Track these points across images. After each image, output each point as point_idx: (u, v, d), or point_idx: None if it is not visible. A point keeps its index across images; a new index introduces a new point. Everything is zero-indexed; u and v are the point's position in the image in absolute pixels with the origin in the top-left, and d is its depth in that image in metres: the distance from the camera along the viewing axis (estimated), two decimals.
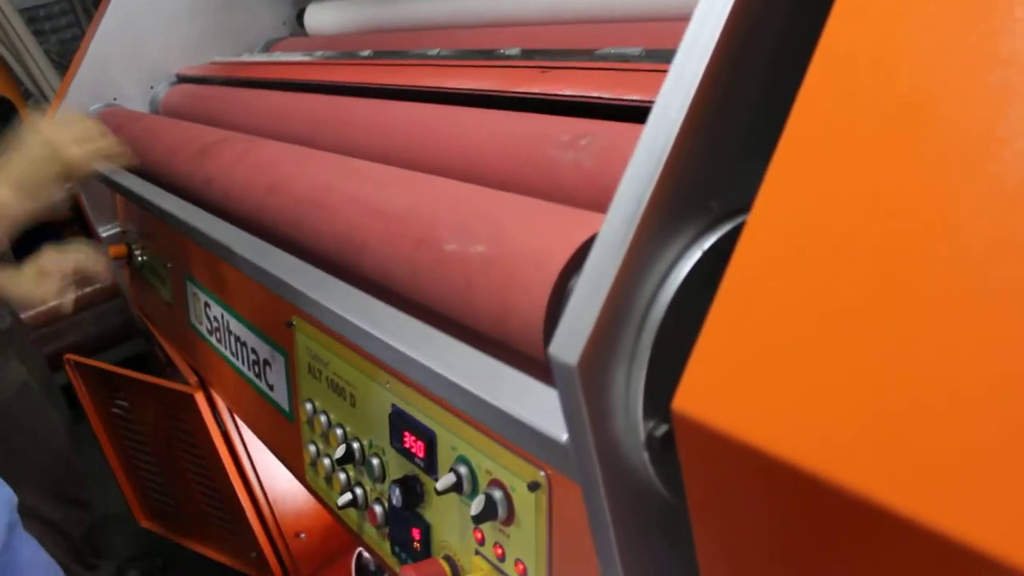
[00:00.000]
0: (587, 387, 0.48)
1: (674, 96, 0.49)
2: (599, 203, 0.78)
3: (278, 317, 1.16)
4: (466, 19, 1.54)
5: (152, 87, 2.07)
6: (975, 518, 0.34)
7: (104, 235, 2.08)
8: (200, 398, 1.62)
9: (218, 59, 2.07)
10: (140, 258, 1.89)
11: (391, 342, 0.71)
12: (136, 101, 2.07)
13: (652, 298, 0.50)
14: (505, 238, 0.66)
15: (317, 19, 2.02)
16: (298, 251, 0.96)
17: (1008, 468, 0.34)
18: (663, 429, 0.51)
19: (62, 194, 1.15)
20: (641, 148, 0.49)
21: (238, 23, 2.15)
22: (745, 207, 0.51)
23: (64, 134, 1.16)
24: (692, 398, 0.45)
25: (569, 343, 0.48)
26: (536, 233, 0.65)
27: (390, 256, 0.77)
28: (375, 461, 0.98)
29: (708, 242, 0.51)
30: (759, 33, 0.51)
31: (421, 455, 0.88)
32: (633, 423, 0.51)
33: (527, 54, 1.20)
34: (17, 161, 1.11)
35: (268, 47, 2.14)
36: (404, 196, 0.80)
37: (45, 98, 3.47)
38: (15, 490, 1.21)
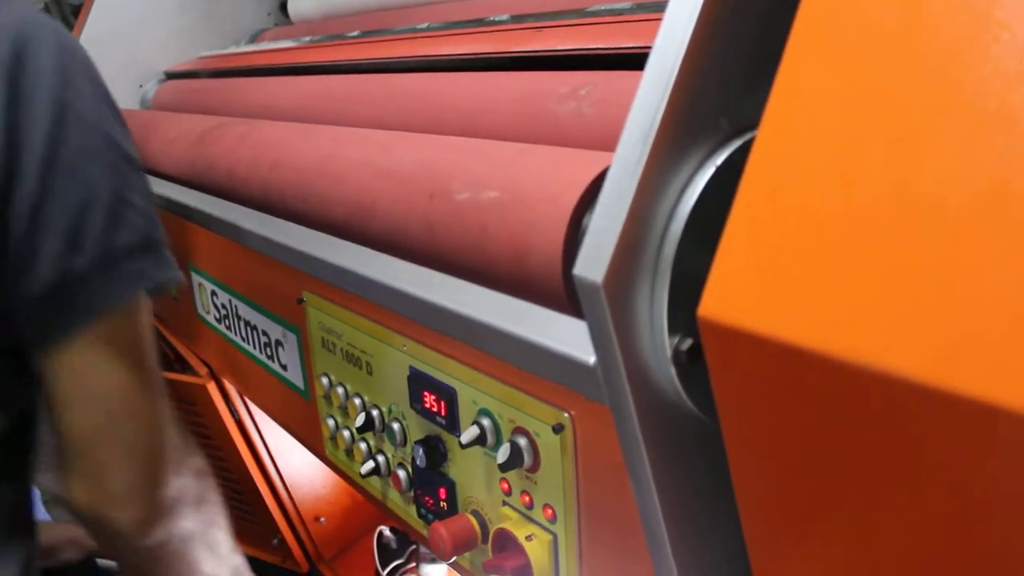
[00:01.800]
0: (613, 304, 0.49)
1: (680, 15, 0.50)
2: (603, 148, 0.79)
3: (288, 295, 1.17)
4: None
5: (141, 86, 2.08)
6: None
7: None
8: (212, 388, 1.63)
9: (205, 53, 2.07)
10: None
11: (412, 291, 0.72)
12: (125, 101, 2.07)
13: (671, 214, 0.51)
14: (517, 182, 0.67)
15: (301, 6, 2.02)
16: (308, 222, 0.97)
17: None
18: (688, 343, 0.52)
19: None
20: (650, 70, 0.50)
21: (223, 16, 2.15)
22: (754, 124, 0.52)
23: None
24: (717, 303, 0.46)
25: (593, 262, 0.49)
26: (547, 174, 0.66)
27: (403, 213, 0.78)
28: (396, 426, 0.99)
29: (721, 158, 0.52)
30: None
31: (443, 413, 0.89)
32: (659, 339, 0.52)
33: (517, 19, 1.21)
34: None
35: (254, 38, 2.14)
36: (411, 154, 0.81)
37: None
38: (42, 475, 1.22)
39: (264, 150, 1.07)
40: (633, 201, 0.49)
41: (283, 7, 2.20)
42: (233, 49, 2.05)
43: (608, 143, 0.78)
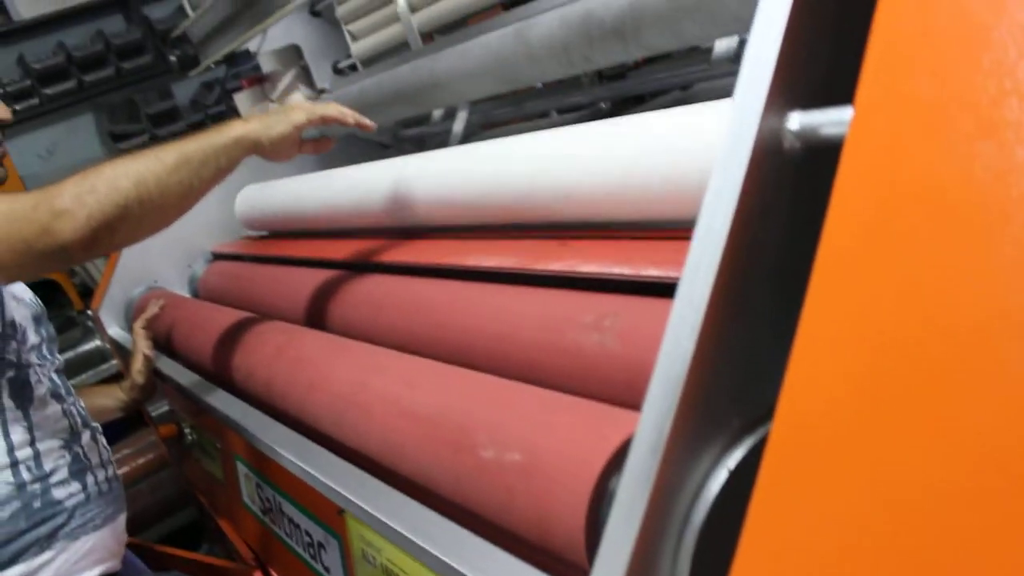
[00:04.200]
0: None
1: (683, 326, 0.51)
2: (626, 385, 0.80)
3: (329, 504, 1.17)
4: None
5: (190, 266, 2.15)
6: None
7: (154, 414, 2.13)
8: None
9: (250, 234, 2.15)
10: (190, 436, 1.92)
11: (439, 554, 0.72)
12: (175, 281, 2.14)
13: (683, 524, 0.51)
14: (539, 446, 0.68)
15: None
16: (341, 448, 0.98)
17: None
18: None
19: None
20: (657, 380, 0.51)
21: None
22: (768, 414, 0.53)
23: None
24: None
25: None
26: (568, 440, 0.67)
27: (429, 461, 0.79)
28: None
29: (732, 461, 0.52)
30: (758, 251, 0.53)
31: None
32: None
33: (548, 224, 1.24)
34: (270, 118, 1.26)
35: None
36: (435, 396, 0.83)
37: (89, 275, 3.60)
38: None
39: (299, 368, 1.10)
40: (643, 519, 0.49)
41: None
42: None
43: (631, 380, 0.78)
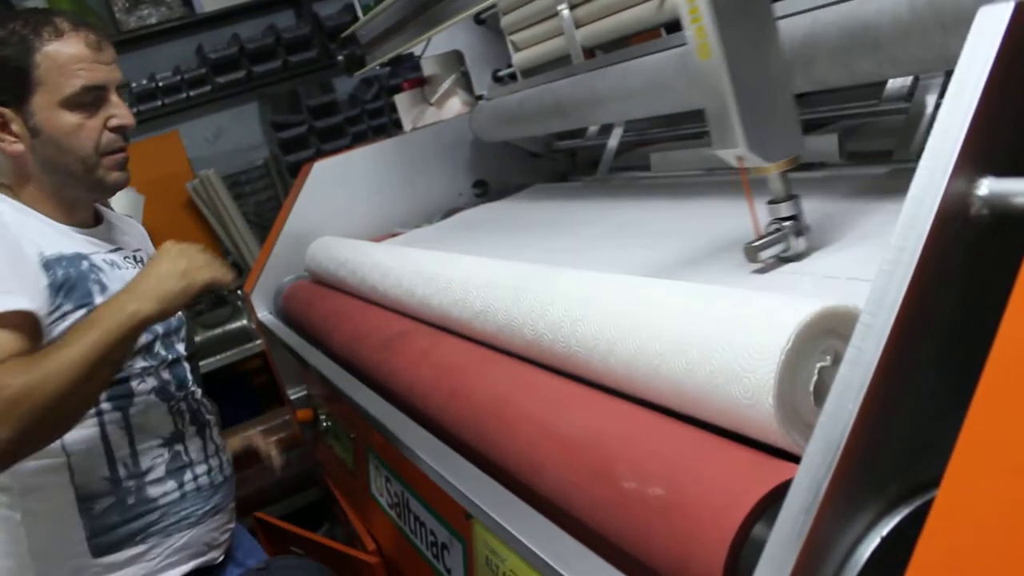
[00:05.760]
0: None
1: (849, 388, 0.50)
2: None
3: (458, 507, 1.20)
4: None
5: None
6: None
7: (292, 397, 2.22)
8: (378, 567, 1.67)
9: (399, 230, 2.21)
10: (325, 423, 1.99)
11: (563, 571, 0.73)
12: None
13: None
14: (683, 485, 0.68)
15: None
16: (478, 457, 1.00)
17: None
18: None
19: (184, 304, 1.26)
20: (817, 439, 0.51)
21: (418, 195, 2.30)
22: (927, 483, 0.51)
23: (190, 262, 1.27)
24: None
25: None
26: (714, 481, 0.67)
27: (567, 483, 0.80)
28: None
29: (886, 528, 0.51)
30: (932, 317, 0.52)
31: None
32: None
33: None
34: (150, 278, 1.25)
35: (447, 215, 2.26)
36: (581, 420, 0.84)
37: (240, 255, 3.77)
38: None
39: (443, 374, 1.13)
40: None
41: (476, 185, 2.34)
42: (425, 227, 2.18)
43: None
